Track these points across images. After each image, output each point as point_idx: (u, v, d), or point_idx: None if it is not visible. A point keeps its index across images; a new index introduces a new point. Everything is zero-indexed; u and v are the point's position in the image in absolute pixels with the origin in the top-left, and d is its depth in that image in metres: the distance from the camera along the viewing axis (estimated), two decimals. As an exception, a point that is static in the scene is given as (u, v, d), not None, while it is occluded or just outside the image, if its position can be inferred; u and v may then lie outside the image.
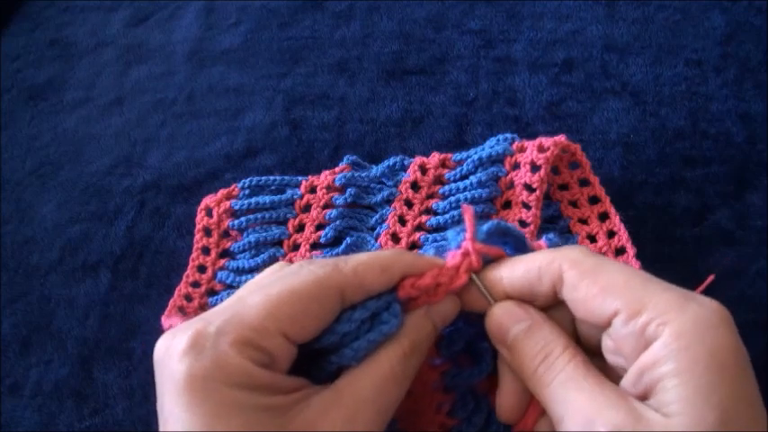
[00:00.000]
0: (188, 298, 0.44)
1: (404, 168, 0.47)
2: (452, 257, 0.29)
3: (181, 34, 0.61)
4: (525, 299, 0.29)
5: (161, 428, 0.25)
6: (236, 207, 0.47)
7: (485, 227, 0.30)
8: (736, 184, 0.47)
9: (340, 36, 0.59)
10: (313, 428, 0.24)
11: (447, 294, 0.29)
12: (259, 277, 0.29)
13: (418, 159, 0.47)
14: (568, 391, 0.26)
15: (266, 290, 0.26)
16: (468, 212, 0.30)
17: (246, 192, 0.48)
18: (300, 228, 0.46)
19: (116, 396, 0.42)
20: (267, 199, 0.47)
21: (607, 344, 0.27)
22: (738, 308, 0.41)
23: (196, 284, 0.45)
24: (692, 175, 0.48)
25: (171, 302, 0.43)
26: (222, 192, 0.47)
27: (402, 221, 0.46)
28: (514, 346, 0.28)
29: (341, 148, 0.51)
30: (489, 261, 0.30)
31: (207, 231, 0.46)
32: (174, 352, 0.24)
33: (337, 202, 0.46)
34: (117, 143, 0.54)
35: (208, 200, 0.47)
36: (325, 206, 0.47)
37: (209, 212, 0.47)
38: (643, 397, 0.25)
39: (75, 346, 0.44)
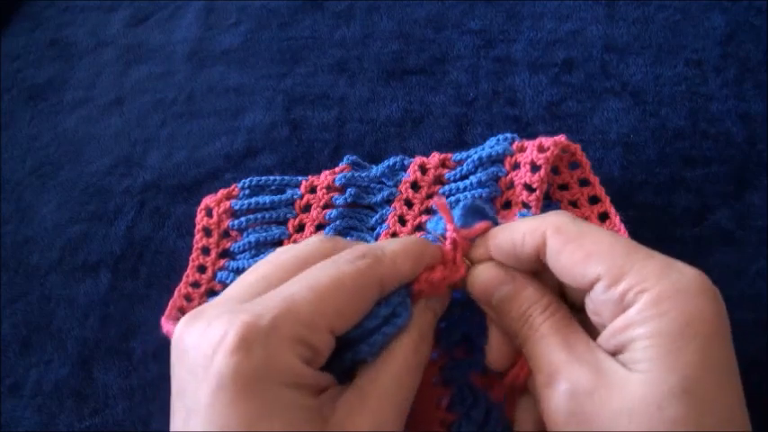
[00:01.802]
0: (188, 298, 0.44)
1: (404, 168, 0.47)
2: (445, 251, 0.30)
3: (181, 34, 0.61)
4: (509, 262, 0.29)
5: (184, 418, 0.24)
6: (236, 207, 0.47)
7: (458, 212, 0.31)
8: (736, 184, 0.47)
9: (340, 36, 0.59)
10: (343, 429, 0.24)
11: (448, 286, 0.30)
12: (293, 255, 0.28)
13: (418, 159, 0.47)
14: (542, 347, 0.27)
15: (312, 283, 0.25)
16: (440, 203, 0.30)
17: (246, 192, 0.48)
18: (300, 228, 0.46)
19: (116, 396, 0.42)
20: (267, 199, 0.47)
21: (589, 306, 0.27)
22: (738, 308, 0.41)
23: (196, 285, 0.45)
24: (692, 175, 0.48)
25: (171, 303, 0.43)
26: (222, 192, 0.47)
27: (402, 221, 0.46)
28: (499, 307, 0.29)
29: (341, 148, 0.51)
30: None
31: (207, 231, 0.46)
32: (217, 343, 0.23)
33: (337, 202, 0.46)
34: (117, 143, 0.54)
35: (208, 200, 0.47)
36: (326, 206, 0.47)
37: (209, 212, 0.47)
38: (616, 353, 0.25)
39: (75, 346, 0.44)
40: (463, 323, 0.32)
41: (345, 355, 0.27)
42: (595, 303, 0.26)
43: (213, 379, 0.23)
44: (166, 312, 0.42)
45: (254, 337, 0.23)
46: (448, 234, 0.30)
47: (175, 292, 0.44)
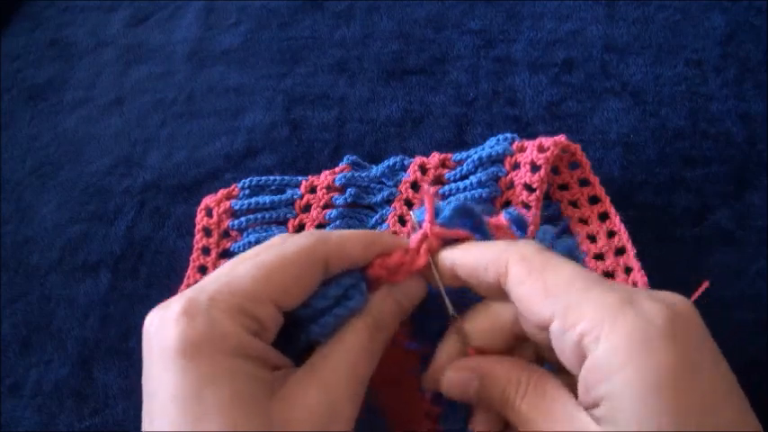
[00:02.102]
0: None
1: (404, 168, 0.47)
2: (413, 240, 0.30)
3: (181, 34, 0.61)
4: (471, 284, 0.29)
5: (145, 402, 0.24)
6: (237, 207, 0.47)
7: (447, 209, 0.31)
8: (736, 184, 0.47)
9: (340, 36, 0.59)
10: (291, 401, 0.24)
11: (409, 275, 0.30)
12: (248, 250, 0.29)
13: (418, 159, 0.47)
14: (531, 418, 0.26)
15: (256, 259, 0.26)
16: (427, 195, 0.30)
17: (246, 192, 0.48)
18: (300, 228, 0.46)
19: (116, 396, 0.42)
20: (267, 199, 0.47)
21: (552, 342, 0.26)
22: (738, 308, 0.42)
23: None
24: (692, 175, 0.48)
25: None
26: (222, 192, 0.47)
27: (402, 221, 0.46)
28: (479, 400, 0.29)
29: (341, 148, 0.51)
30: (453, 241, 0.30)
31: (207, 231, 0.46)
32: (166, 319, 0.24)
33: (337, 202, 0.46)
34: (117, 143, 0.54)
35: (208, 200, 0.47)
36: (326, 206, 0.47)
37: (209, 212, 0.47)
38: (593, 406, 0.24)
39: (75, 346, 0.44)
40: (443, 315, 0.31)
41: (300, 336, 0.28)
42: (555, 342, 0.25)
43: (162, 351, 0.24)
44: None
45: (196, 308, 0.24)
46: (423, 224, 0.30)
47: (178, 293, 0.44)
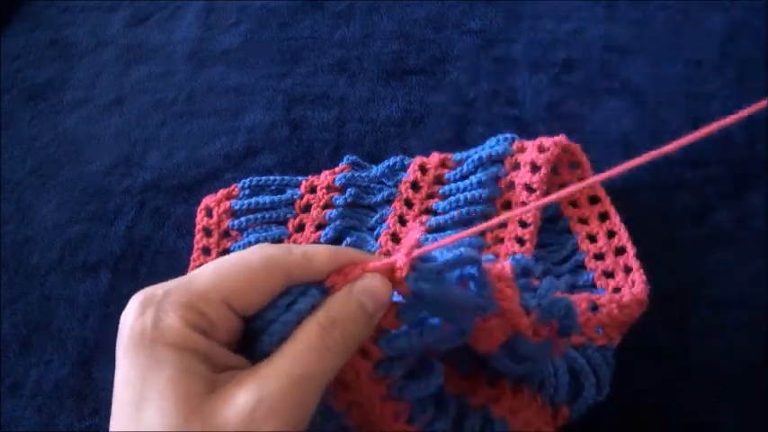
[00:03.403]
0: None
1: (404, 168, 0.47)
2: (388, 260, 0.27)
3: (181, 34, 0.61)
4: None
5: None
6: (237, 207, 0.47)
7: (449, 254, 0.27)
8: (736, 184, 0.47)
9: (340, 36, 0.59)
10: (225, 398, 0.24)
11: (369, 272, 0.27)
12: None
13: (418, 159, 0.47)
14: None
15: (218, 262, 0.27)
16: (412, 236, 0.28)
17: (246, 192, 0.48)
18: (300, 228, 0.46)
19: (116, 396, 0.42)
20: (267, 199, 0.47)
21: None
22: (738, 308, 0.42)
23: None
24: (692, 175, 0.48)
25: None
26: (222, 192, 0.47)
27: (402, 221, 0.46)
28: None
29: (341, 148, 0.51)
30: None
31: (207, 231, 0.46)
32: (126, 311, 0.26)
33: (337, 202, 0.46)
34: (117, 143, 0.54)
35: (208, 200, 0.47)
36: (326, 206, 0.47)
37: (209, 212, 0.47)
38: None
39: (75, 346, 0.44)
40: (411, 356, 0.29)
41: (256, 349, 0.27)
42: None
43: (119, 342, 0.25)
44: None
45: (148, 302, 0.26)
46: (403, 251, 0.27)
47: None
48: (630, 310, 0.37)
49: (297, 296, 0.27)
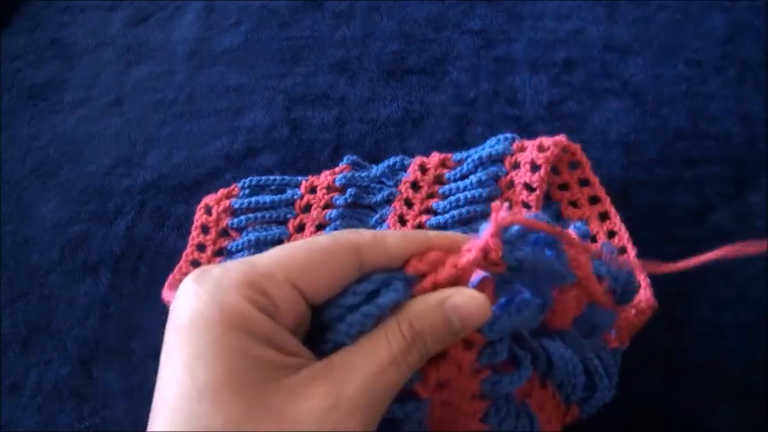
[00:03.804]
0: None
1: (404, 168, 0.47)
2: (472, 240, 0.27)
3: (181, 34, 0.61)
4: None
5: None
6: (236, 206, 0.47)
7: (514, 228, 0.27)
8: (736, 184, 0.47)
9: (340, 36, 0.59)
10: (294, 394, 0.22)
11: (455, 274, 0.26)
12: None
13: (418, 159, 0.47)
14: None
15: (284, 245, 0.25)
16: (495, 211, 0.27)
17: (246, 191, 0.48)
18: (300, 228, 0.46)
19: (116, 396, 0.42)
20: (267, 198, 0.47)
21: None
22: (737, 308, 0.42)
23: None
24: (692, 175, 0.48)
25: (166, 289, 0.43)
26: (222, 191, 0.47)
27: (402, 221, 0.46)
28: None
29: (341, 148, 0.51)
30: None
31: (204, 228, 0.46)
32: (180, 288, 0.23)
33: (337, 202, 0.46)
34: (117, 143, 0.54)
35: (208, 199, 0.47)
36: (326, 206, 0.47)
37: (208, 210, 0.47)
38: None
39: (75, 346, 0.44)
40: (508, 338, 0.29)
41: (327, 336, 0.25)
42: None
43: (171, 324, 0.23)
44: (166, 285, 0.42)
45: (207, 276, 0.23)
46: (485, 232, 0.26)
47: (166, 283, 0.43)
48: (645, 315, 0.37)
49: (379, 285, 0.25)
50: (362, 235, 0.26)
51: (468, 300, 0.25)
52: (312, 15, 0.61)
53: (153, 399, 0.23)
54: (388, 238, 0.26)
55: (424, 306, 0.25)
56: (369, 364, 0.24)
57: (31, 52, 0.62)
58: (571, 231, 0.29)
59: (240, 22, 0.61)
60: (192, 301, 0.22)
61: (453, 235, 0.27)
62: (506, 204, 0.27)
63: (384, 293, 0.25)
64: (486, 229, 0.26)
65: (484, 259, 0.26)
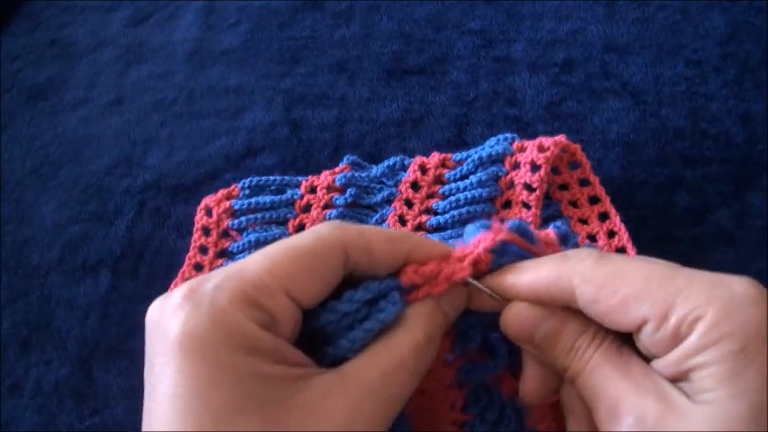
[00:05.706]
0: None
1: (404, 168, 0.47)
2: (461, 249, 0.28)
3: (181, 34, 0.61)
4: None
5: (146, 400, 0.22)
6: (237, 207, 0.47)
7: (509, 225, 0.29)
8: (736, 184, 0.47)
9: (340, 36, 0.59)
10: (312, 411, 0.22)
11: (452, 286, 0.27)
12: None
13: (418, 159, 0.47)
14: (597, 379, 0.25)
15: (267, 249, 0.24)
16: (496, 233, 0.29)
17: (246, 192, 0.47)
18: (301, 228, 0.46)
19: (116, 396, 0.42)
20: (267, 199, 0.47)
21: (640, 344, 0.25)
22: (738, 308, 0.42)
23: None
24: (692, 175, 0.48)
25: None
26: (222, 192, 0.47)
27: (402, 221, 0.46)
28: (542, 345, 0.27)
29: (341, 148, 0.51)
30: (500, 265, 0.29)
31: (205, 230, 0.46)
32: (168, 308, 0.22)
33: (337, 202, 0.46)
34: (117, 143, 0.54)
35: (208, 200, 0.47)
36: (326, 206, 0.47)
37: (208, 212, 0.47)
38: (674, 381, 0.24)
39: (75, 346, 0.44)
40: (482, 326, 0.30)
41: (327, 351, 0.25)
42: (646, 344, 0.25)
43: (163, 344, 0.21)
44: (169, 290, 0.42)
45: (200, 296, 0.22)
46: (479, 234, 0.28)
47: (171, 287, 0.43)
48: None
49: (376, 294, 0.26)
50: (348, 231, 0.25)
51: (453, 294, 0.28)
52: (312, 15, 0.61)
53: (146, 419, 0.22)
54: (374, 238, 0.26)
55: (426, 310, 0.27)
56: (383, 374, 0.24)
57: (31, 52, 0.62)
58: (550, 231, 0.30)
59: (240, 23, 0.61)
60: (191, 322, 0.21)
61: (435, 244, 0.28)
62: (507, 224, 0.29)
63: (384, 307, 0.26)
64: (477, 238, 0.28)
65: (473, 268, 0.28)
